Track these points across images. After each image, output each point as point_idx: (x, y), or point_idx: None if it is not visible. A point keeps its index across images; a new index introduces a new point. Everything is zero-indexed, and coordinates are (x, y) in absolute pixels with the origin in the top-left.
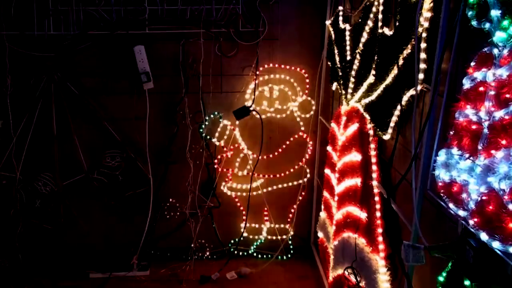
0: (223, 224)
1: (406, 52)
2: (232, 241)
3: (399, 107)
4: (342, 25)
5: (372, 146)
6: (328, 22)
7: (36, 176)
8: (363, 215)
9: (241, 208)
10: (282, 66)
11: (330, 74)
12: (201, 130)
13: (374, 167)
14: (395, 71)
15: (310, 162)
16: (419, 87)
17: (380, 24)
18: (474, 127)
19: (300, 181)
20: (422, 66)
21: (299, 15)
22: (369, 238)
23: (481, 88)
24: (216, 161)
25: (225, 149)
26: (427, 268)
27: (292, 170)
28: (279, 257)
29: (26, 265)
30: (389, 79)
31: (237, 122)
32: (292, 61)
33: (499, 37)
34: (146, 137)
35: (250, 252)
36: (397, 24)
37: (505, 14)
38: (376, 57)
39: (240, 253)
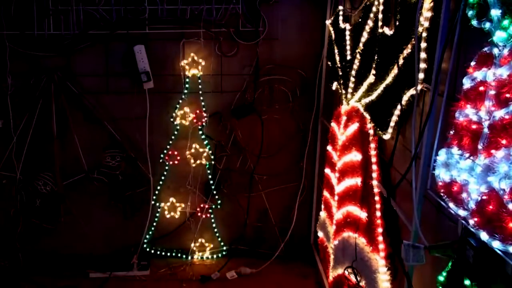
0: (223, 224)
1: (406, 51)
2: (232, 241)
3: (399, 106)
4: (342, 25)
5: (372, 145)
6: (328, 22)
7: (36, 175)
8: (363, 214)
9: (241, 208)
10: (282, 66)
11: (330, 74)
12: (201, 130)
13: (374, 167)
14: (395, 70)
15: (310, 162)
16: (419, 87)
17: (380, 23)
18: (474, 126)
19: (300, 181)
20: (422, 65)
21: (299, 15)
22: (369, 238)
23: (481, 88)
24: (216, 160)
25: (225, 149)
26: (427, 267)
27: (292, 170)
28: (279, 257)
29: (26, 265)
30: (389, 79)
31: (237, 122)
32: (292, 61)
33: (499, 37)
34: (146, 136)
35: (250, 252)
36: (397, 23)
37: (505, 14)
38: (376, 57)
39: (240, 253)
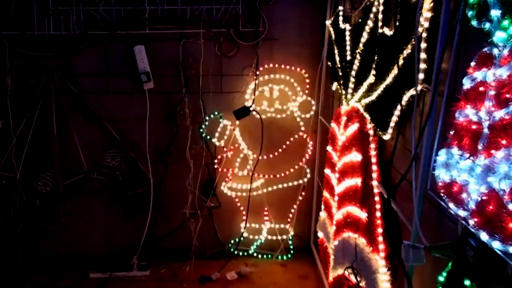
0: (223, 224)
1: (406, 52)
2: (232, 241)
3: (399, 107)
4: (342, 25)
5: (372, 146)
6: (328, 22)
7: (36, 176)
8: (363, 215)
9: (241, 208)
10: (282, 66)
11: (330, 74)
12: (201, 130)
13: (374, 167)
14: (395, 71)
15: (310, 162)
16: (419, 87)
17: (380, 24)
18: (474, 127)
19: (300, 181)
20: (422, 66)
21: (299, 15)
22: (369, 238)
23: (481, 88)
24: (216, 161)
25: (225, 149)
26: (427, 268)
27: (292, 170)
28: (279, 257)
29: (26, 265)
30: (389, 79)
31: (237, 122)
32: (292, 61)
33: (499, 37)
34: (146, 137)
35: (250, 252)
36: (397, 24)
37: (505, 14)
38: (376, 57)
39: (240, 253)
